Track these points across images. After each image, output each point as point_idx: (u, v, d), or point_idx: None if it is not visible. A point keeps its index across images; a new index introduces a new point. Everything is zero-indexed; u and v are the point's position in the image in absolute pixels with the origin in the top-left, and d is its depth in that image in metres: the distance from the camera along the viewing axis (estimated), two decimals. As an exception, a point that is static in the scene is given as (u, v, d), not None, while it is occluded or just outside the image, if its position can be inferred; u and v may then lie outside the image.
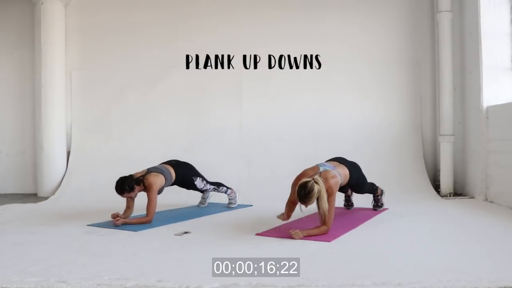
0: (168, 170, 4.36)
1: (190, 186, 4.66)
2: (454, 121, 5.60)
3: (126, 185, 3.96)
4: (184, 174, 4.53)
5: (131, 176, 4.07)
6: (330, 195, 3.40)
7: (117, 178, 4.03)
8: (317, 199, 3.30)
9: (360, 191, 4.32)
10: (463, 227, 3.72)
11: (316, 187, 3.26)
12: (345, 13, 6.19)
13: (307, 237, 3.30)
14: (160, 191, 4.21)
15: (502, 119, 4.71)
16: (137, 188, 4.05)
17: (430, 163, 6.07)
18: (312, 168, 3.58)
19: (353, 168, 3.94)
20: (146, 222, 3.94)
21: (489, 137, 4.94)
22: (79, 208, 4.96)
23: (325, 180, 3.41)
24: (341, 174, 3.68)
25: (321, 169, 3.55)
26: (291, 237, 3.29)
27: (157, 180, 4.10)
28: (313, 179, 3.32)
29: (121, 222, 3.87)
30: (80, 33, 6.40)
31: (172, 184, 4.48)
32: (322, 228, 3.38)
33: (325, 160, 3.98)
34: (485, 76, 4.98)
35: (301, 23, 6.20)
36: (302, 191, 3.26)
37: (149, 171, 4.19)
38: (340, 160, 3.95)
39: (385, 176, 5.50)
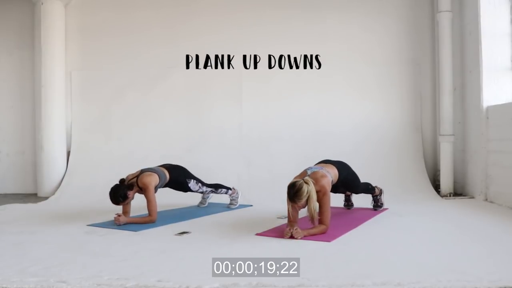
0: (163, 171, 4.32)
1: (184, 188, 4.60)
2: (454, 121, 5.60)
3: (119, 196, 3.93)
4: (178, 176, 4.49)
5: (122, 182, 4.01)
6: (324, 194, 3.42)
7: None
8: (307, 199, 3.30)
9: (353, 189, 4.29)
10: (463, 227, 3.72)
11: (305, 186, 3.27)
12: (345, 13, 6.20)
13: (307, 236, 3.30)
14: (155, 191, 4.17)
15: (502, 119, 4.71)
16: (131, 193, 4.01)
17: (430, 163, 6.07)
18: (301, 174, 3.59)
19: (340, 165, 3.96)
20: (149, 221, 3.95)
21: (489, 137, 4.94)
22: (79, 208, 4.96)
23: (316, 181, 3.42)
24: (330, 173, 3.69)
25: (309, 172, 3.57)
26: (292, 236, 3.29)
27: (151, 179, 4.07)
28: (303, 179, 3.34)
29: (124, 221, 3.87)
30: (80, 33, 6.40)
31: (166, 185, 4.43)
32: (321, 228, 3.39)
33: (314, 164, 3.97)
34: (485, 76, 4.98)
35: (301, 23, 6.20)
36: (291, 191, 3.29)
37: (142, 171, 4.15)
38: (326, 161, 3.96)
39: (385, 176, 5.50)
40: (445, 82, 5.58)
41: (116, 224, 3.86)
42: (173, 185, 4.52)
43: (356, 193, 4.37)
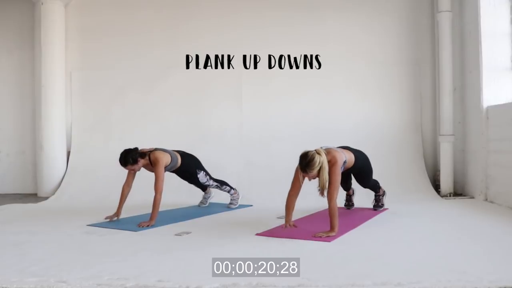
0: (175, 154, 4.41)
1: (192, 178, 4.67)
2: (454, 121, 5.60)
3: (130, 157, 3.99)
4: (189, 165, 4.56)
5: (136, 148, 4.09)
6: (333, 164, 3.42)
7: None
8: (319, 171, 3.30)
9: (364, 181, 4.30)
10: (463, 227, 3.72)
11: (317, 157, 3.28)
12: (345, 13, 6.20)
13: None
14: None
15: (502, 119, 4.71)
16: (141, 161, 4.05)
17: (430, 163, 6.07)
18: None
19: (359, 154, 4.01)
20: (157, 200, 3.93)
21: (489, 137, 4.94)
22: (79, 208, 4.96)
23: (328, 153, 3.46)
24: (346, 155, 3.71)
25: (324, 147, 3.59)
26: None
27: (164, 157, 4.16)
28: (315, 150, 3.35)
29: (145, 224, 3.83)
30: (80, 33, 6.40)
31: (175, 171, 4.49)
32: (331, 207, 3.32)
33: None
34: (485, 76, 4.98)
35: (301, 23, 6.20)
36: (303, 161, 3.29)
37: (156, 149, 4.25)
38: (345, 147, 4.01)
39: (385, 176, 5.48)
40: (445, 82, 5.58)
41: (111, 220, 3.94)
42: (182, 172, 4.57)
43: (365, 186, 4.39)
